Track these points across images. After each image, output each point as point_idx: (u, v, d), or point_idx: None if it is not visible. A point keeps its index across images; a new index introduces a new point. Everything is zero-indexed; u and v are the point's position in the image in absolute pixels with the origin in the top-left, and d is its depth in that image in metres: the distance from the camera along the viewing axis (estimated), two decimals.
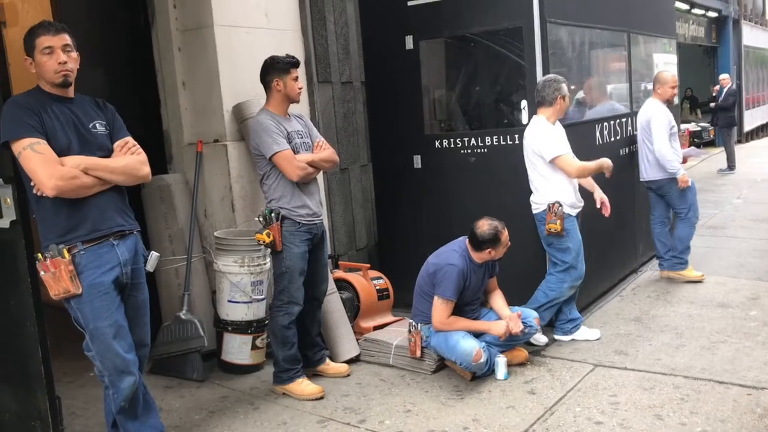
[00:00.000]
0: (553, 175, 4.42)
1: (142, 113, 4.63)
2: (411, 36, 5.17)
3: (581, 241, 4.52)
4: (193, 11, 4.50)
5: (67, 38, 2.88)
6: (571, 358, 4.34)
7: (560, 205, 4.38)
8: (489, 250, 4.04)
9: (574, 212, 4.50)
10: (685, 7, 14.47)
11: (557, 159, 4.36)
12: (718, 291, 5.50)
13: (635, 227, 6.13)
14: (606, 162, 4.56)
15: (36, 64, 2.87)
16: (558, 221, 4.37)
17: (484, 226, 4.03)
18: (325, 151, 4.10)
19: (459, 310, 4.10)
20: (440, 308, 4.02)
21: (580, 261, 4.52)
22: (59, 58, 2.85)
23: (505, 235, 4.06)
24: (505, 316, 4.14)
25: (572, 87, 5.51)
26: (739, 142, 18.37)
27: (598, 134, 5.47)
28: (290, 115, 4.09)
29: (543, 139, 4.39)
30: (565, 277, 4.51)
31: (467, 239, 4.12)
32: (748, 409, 3.50)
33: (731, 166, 12.96)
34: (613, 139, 5.71)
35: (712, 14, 16.81)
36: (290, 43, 4.88)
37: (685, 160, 7.76)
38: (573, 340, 4.60)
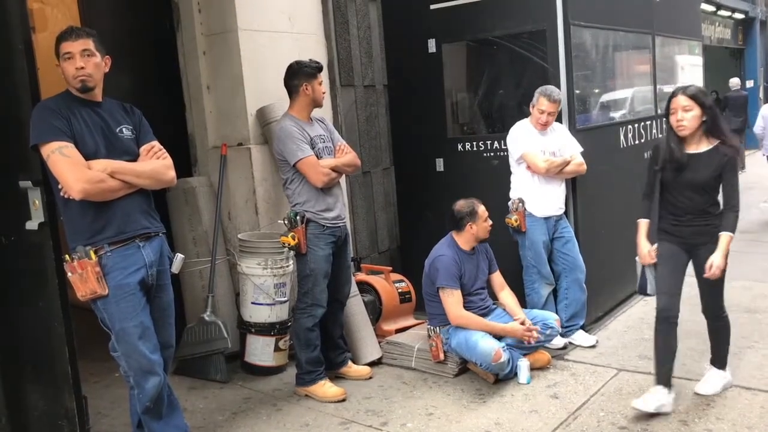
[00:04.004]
0: (518, 172, 4.58)
1: (167, 117, 4.67)
2: (433, 39, 5.17)
3: (542, 244, 4.52)
4: (218, 16, 4.55)
5: (88, 43, 2.91)
6: (595, 363, 4.31)
7: (521, 202, 4.50)
8: (469, 224, 4.13)
9: (538, 214, 4.51)
10: (711, 8, 14.30)
11: (524, 156, 4.48)
12: (745, 296, 5.42)
13: None
14: (574, 156, 4.59)
15: (61, 70, 2.93)
16: (514, 216, 4.49)
17: (461, 202, 4.19)
18: (347, 156, 4.12)
19: (464, 301, 4.12)
20: (448, 300, 4.05)
21: (542, 264, 4.54)
22: (77, 63, 2.89)
23: (482, 208, 4.17)
24: (519, 318, 4.14)
25: (596, 90, 5.50)
26: None
27: (622, 137, 5.43)
28: (312, 119, 4.11)
29: (511, 138, 4.57)
30: (534, 278, 4.57)
31: (450, 230, 4.22)
32: None
33: (742, 165, 13.11)
34: (637, 141, 5.66)
35: (739, 16, 16.59)
36: (313, 47, 4.90)
37: None
38: (570, 343, 4.59)
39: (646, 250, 3.65)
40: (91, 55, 2.93)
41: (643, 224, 3.72)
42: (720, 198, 3.61)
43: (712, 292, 3.67)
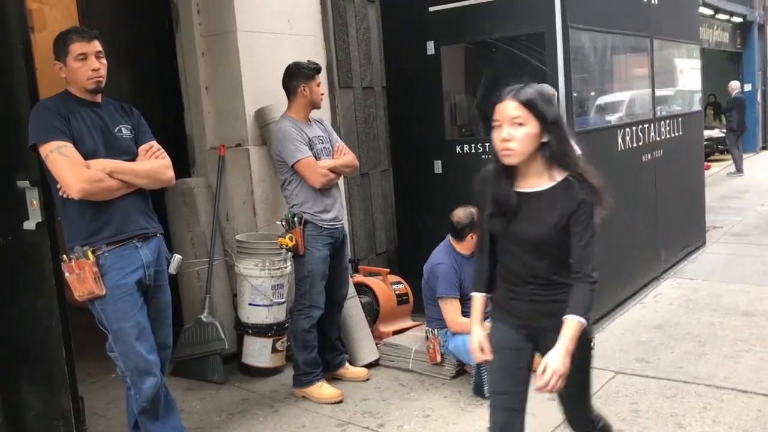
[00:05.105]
0: None
1: (165, 117, 4.68)
2: (432, 41, 5.18)
3: None
4: (217, 17, 4.55)
5: (98, 45, 2.94)
6: (592, 365, 4.30)
7: None
8: (471, 234, 4.10)
9: None
10: (709, 12, 14.33)
11: None
12: (742, 299, 5.43)
13: (657, 234, 6.08)
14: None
15: (68, 70, 2.92)
16: None
17: (460, 213, 4.12)
18: (346, 157, 4.13)
19: (463, 306, 4.11)
20: (448, 308, 4.04)
21: None
22: (93, 65, 2.90)
23: None
24: None
25: (594, 93, 5.51)
26: (765, 148, 18.17)
27: (620, 140, 5.44)
28: (311, 119, 4.12)
29: None
30: None
31: (449, 235, 4.18)
32: None
33: (739, 168, 13.51)
34: (635, 144, 5.67)
35: (737, 19, 16.63)
36: (312, 49, 4.90)
37: None
38: None
39: (478, 341, 2.44)
40: (102, 57, 2.95)
41: (475, 301, 2.51)
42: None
43: (573, 398, 2.53)
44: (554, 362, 2.19)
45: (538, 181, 2.30)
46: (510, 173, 2.33)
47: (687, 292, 5.74)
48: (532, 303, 2.37)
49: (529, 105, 2.21)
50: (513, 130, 2.21)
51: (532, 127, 2.21)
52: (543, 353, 2.29)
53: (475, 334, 2.46)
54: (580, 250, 2.26)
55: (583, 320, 2.22)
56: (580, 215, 2.25)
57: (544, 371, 2.19)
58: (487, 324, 2.50)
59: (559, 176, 2.28)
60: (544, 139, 2.23)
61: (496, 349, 2.43)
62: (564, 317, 2.23)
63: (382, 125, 5.66)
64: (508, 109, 2.22)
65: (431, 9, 5.15)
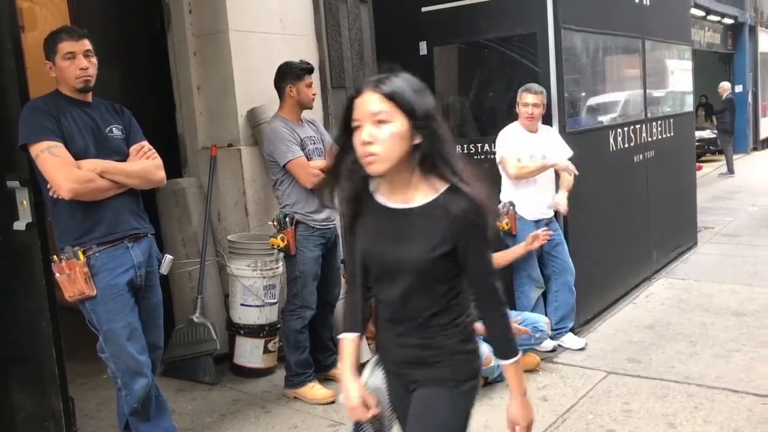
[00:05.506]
0: (503, 175, 4.56)
1: (157, 117, 4.66)
2: (425, 42, 5.18)
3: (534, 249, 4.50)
4: (209, 16, 4.53)
5: (88, 44, 2.93)
6: (584, 365, 4.32)
7: (511, 205, 4.49)
8: None
9: (528, 217, 4.51)
10: (700, 13, 14.40)
11: (501, 160, 4.49)
12: (733, 299, 5.45)
13: (649, 234, 6.10)
14: (557, 163, 4.46)
15: (57, 69, 2.91)
16: (505, 219, 4.47)
17: None
18: None
19: None
20: None
21: (532, 267, 4.54)
22: (81, 63, 2.89)
23: None
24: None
25: (586, 93, 5.52)
26: (755, 149, 18.26)
27: (611, 140, 5.46)
28: (303, 120, 4.11)
29: (497, 141, 4.55)
30: (524, 281, 4.57)
31: None
32: (762, 418, 3.47)
33: (730, 169, 13.55)
34: (627, 145, 5.68)
35: (728, 21, 16.71)
36: (304, 49, 4.90)
37: None
38: (560, 345, 4.59)
39: (355, 395, 1.89)
40: (92, 56, 2.94)
41: (346, 345, 2.00)
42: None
43: None
44: (517, 414, 1.90)
45: (413, 195, 1.80)
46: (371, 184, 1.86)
47: (678, 292, 5.76)
48: (405, 348, 1.88)
49: (393, 97, 1.73)
50: (375, 130, 1.73)
51: (399, 124, 1.73)
52: (410, 414, 1.88)
53: (349, 386, 1.90)
54: (482, 282, 1.83)
55: (518, 358, 1.89)
56: (471, 239, 1.77)
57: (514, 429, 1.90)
58: (369, 372, 2.00)
59: (442, 187, 1.78)
60: (416, 140, 1.75)
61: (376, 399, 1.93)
62: (505, 362, 1.89)
63: None
64: (369, 103, 1.74)
65: (424, 9, 5.15)
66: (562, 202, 4.51)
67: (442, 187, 1.78)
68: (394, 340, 1.91)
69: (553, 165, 4.46)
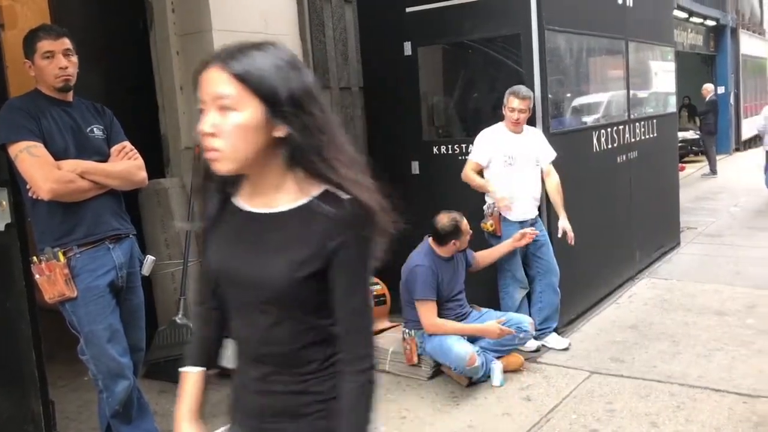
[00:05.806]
0: (489, 176, 4.56)
1: (140, 117, 4.62)
2: (409, 42, 5.18)
3: (518, 249, 4.52)
4: (192, 16, 4.50)
5: (67, 42, 2.90)
6: (567, 365, 4.33)
7: (496, 206, 4.52)
8: (453, 241, 4.11)
9: (512, 218, 4.52)
10: (683, 15, 14.51)
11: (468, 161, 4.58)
12: (715, 299, 5.50)
13: (632, 234, 6.14)
14: (497, 197, 4.46)
15: (36, 68, 2.88)
16: (490, 221, 4.51)
17: (444, 219, 4.11)
18: None
19: (442, 308, 4.11)
20: (423, 310, 4.04)
21: (516, 268, 4.55)
22: (60, 63, 2.86)
23: (464, 224, 4.16)
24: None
25: (569, 94, 5.54)
26: (737, 150, 18.44)
27: (595, 141, 5.48)
28: None
29: (476, 140, 4.61)
30: (508, 281, 4.58)
31: (430, 237, 4.18)
32: (743, 417, 3.50)
33: (713, 170, 13.67)
34: (610, 146, 5.71)
35: (711, 23, 16.85)
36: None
37: None
38: (543, 346, 4.60)
39: None
40: (71, 55, 2.91)
41: (186, 381, 1.74)
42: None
43: None
44: None
45: (276, 198, 1.40)
46: (234, 182, 1.46)
47: (661, 292, 5.80)
48: (265, 396, 1.49)
49: (245, 78, 1.31)
50: (219, 119, 1.34)
51: (249, 113, 1.32)
52: None
53: None
54: (348, 318, 1.40)
55: None
56: (343, 258, 1.35)
57: None
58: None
59: (316, 190, 1.38)
60: (279, 133, 1.34)
61: None
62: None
63: (360, 126, 5.65)
64: (213, 83, 1.35)
65: (408, 10, 5.14)
66: (568, 229, 4.55)
67: (318, 190, 1.37)
68: (250, 386, 1.52)
69: (492, 193, 4.48)
